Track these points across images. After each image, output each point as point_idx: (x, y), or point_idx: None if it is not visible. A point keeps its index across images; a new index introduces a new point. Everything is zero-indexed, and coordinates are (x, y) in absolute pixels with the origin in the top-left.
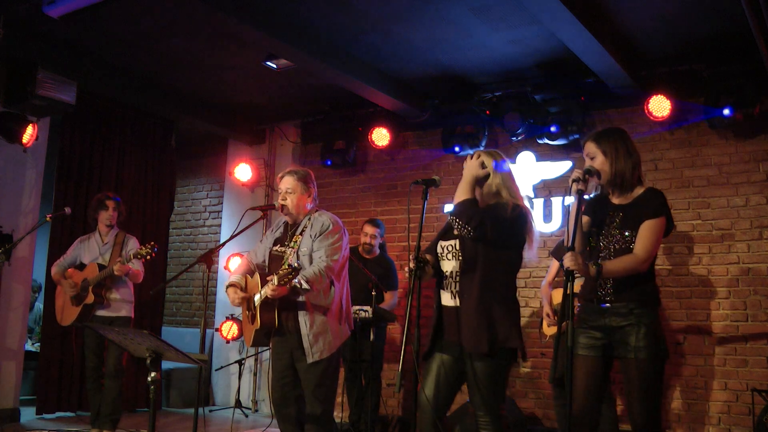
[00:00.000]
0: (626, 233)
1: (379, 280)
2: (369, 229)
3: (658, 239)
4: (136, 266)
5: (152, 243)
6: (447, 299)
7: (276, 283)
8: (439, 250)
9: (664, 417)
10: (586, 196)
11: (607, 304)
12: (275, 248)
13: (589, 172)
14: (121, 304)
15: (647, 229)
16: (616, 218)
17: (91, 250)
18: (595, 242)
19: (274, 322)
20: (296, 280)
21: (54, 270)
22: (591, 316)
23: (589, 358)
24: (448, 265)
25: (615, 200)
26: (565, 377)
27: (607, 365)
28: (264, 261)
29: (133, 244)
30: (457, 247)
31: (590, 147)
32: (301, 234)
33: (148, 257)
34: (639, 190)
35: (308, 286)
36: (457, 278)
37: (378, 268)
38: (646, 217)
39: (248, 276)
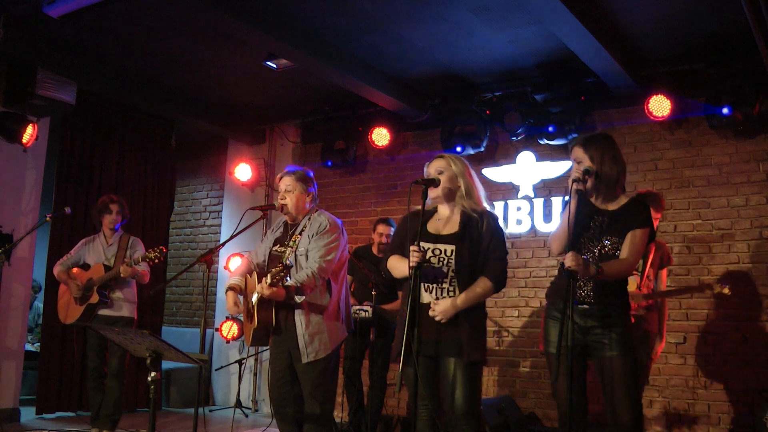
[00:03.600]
0: (613, 239)
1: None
2: (383, 229)
3: (643, 247)
4: (143, 267)
5: (161, 247)
6: (431, 299)
7: (269, 282)
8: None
9: (665, 417)
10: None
11: (585, 306)
12: (275, 248)
13: (588, 172)
14: (124, 303)
15: (636, 237)
16: (601, 223)
17: (95, 252)
18: (579, 244)
19: (271, 320)
20: (289, 281)
21: (57, 269)
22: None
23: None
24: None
25: (599, 205)
26: (560, 375)
27: (585, 365)
28: (264, 261)
29: (138, 248)
30: (447, 253)
31: (578, 152)
32: (300, 234)
33: (156, 261)
34: (623, 199)
35: (301, 292)
36: (451, 284)
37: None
38: (636, 225)
39: (248, 276)
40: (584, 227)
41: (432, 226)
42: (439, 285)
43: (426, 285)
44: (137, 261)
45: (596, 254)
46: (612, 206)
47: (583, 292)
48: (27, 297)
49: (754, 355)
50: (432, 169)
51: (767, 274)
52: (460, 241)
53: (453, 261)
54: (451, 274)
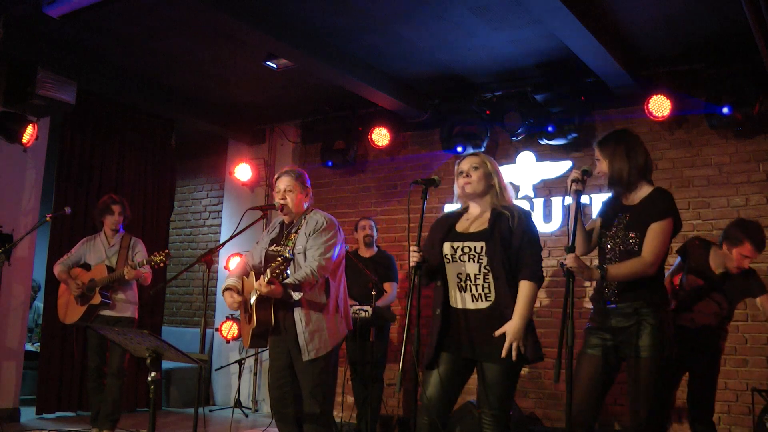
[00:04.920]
0: (632, 235)
1: (382, 275)
2: (365, 222)
3: (665, 241)
4: (146, 269)
5: (167, 251)
6: (467, 302)
7: (267, 278)
8: (448, 251)
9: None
10: (589, 196)
11: (613, 305)
12: (271, 248)
13: (587, 173)
14: (126, 305)
15: (654, 232)
16: (623, 220)
17: (96, 251)
18: (603, 243)
19: (270, 320)
20: (289, 277)
21: (58, 268)
22: (599, 317)
23: (594, 357)
24: (466, 267)
25: (624, 201)
26: (564, 376)
27: (612, 367)
28: (260, 262)
29: (139, 248)
30: (478, 250)
31: (596, 151)
32: (296, 233)
33: (162, 264)
34: (646, 191)
35: (299, 289)
36: (485, 280)
37: (379, 266)
38: (653, 219)
39: (245, 278)
40: (608, 225)
41: (460, 226)
42: (473, 282)
43: (459, 284)
44: (142, 264)
45: (617, 251)
46: (634, 201)
47: (609, 291)
48: (27, 297)
49: (754, 355)
50: (467, 165)
51: (767, 274)
52: (489, 238)
53: (485, 257)
54: (484, 270)
